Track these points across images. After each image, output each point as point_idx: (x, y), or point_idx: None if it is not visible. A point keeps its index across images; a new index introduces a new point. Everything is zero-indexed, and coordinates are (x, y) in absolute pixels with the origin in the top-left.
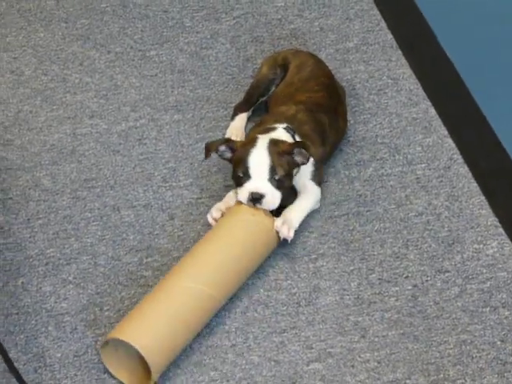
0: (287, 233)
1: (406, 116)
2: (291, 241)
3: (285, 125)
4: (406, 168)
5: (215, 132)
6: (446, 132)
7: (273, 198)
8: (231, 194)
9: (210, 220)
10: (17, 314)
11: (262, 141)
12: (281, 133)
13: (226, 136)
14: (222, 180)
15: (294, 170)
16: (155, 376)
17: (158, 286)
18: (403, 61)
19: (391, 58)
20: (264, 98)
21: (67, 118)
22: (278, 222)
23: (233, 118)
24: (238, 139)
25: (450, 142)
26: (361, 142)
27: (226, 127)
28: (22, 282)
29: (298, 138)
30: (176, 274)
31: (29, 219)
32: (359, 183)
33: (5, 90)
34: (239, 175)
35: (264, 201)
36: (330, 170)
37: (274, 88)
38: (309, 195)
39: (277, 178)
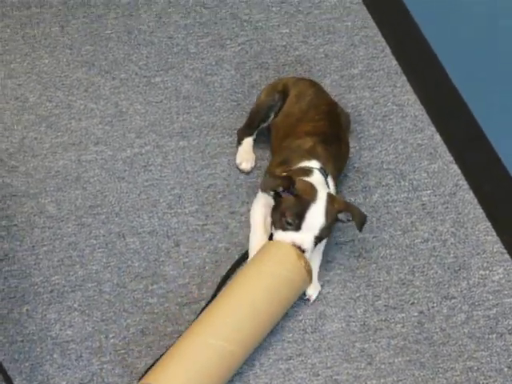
0: (314, 298)
1: (411, 142)
2: None
3: (318, 165)
4: (411, 194)
5: (220, 158)
6: (451, 158)
7: (310, 252)
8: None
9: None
10: (22, 341)
11: (321, 195)
12: (317, 176)
13: (237, 161)
14: (227, 207)
15: None
16: None
17: (183, 339)
18: (408, 87)
19: (396, 84)
20: (265, 124)
21: (72, 145)
22: (313, 292)
23: (239, 142)
24: (249, 164)
25: (455, 168)
26: (366, 168)
27: (232, 154)
28: (27, 310)
29: (329, 180)
30: (200, 326)
31: (33, 246)
32: (365, 209)
33: (9, 116)
34: (289, 221)
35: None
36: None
37: (273, 115)
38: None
39: (322, 237)
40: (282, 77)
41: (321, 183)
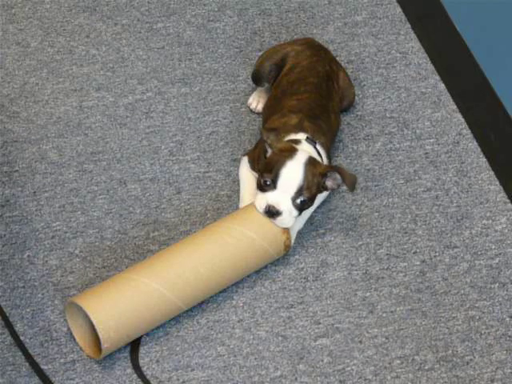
0: None
1: (414, 90)
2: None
3: (305, 136)
4: (414, 143)
5: (222, 105)
6: (454, 107)
7: (289, 217)
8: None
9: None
10: (23, 287)
11: (301, 156)
12: (305, 146)
13: (249, 100)
14: (229, 154)
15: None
16: (105, 352)
17: (133, 271)
18: (412, 35)
19: (400, 31)
20: (266, 86)
21: (73, 91)
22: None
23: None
24: (260, 104)
25: (458, 117)
26: (369, 116)
27: (234, 100)
28: (28, 256)
29: (319, 148)
30: (152, 267)
31: (35, 192)
32: (367, 158)
33: (11, 61)
34: (266, 181)
35: (279, 218)
36: (338, 145)
37: (267, 83)
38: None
39: (301, 199)
40: (289, 41)
41: (308, 151)
